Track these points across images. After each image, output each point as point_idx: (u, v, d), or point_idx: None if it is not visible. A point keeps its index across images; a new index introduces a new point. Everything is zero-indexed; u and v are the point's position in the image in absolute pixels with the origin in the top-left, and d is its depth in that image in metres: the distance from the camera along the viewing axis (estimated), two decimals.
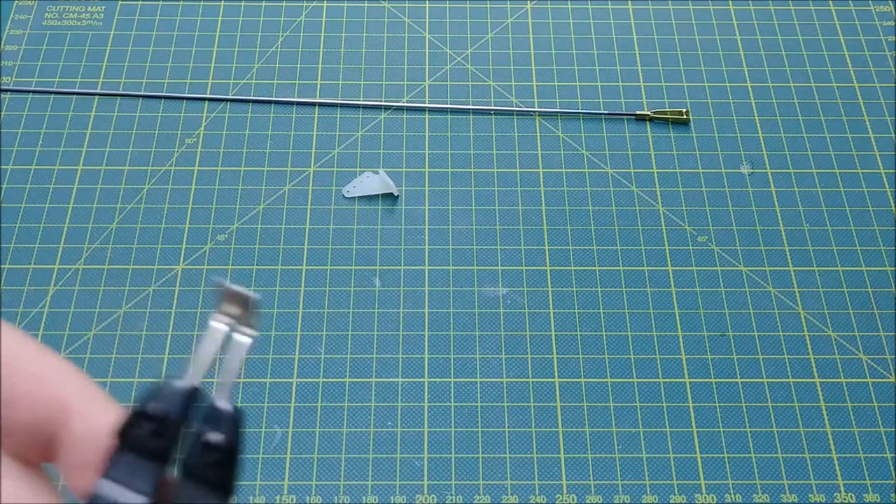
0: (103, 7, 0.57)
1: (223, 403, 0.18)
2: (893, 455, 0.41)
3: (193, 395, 0.18)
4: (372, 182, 0.49)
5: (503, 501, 0.40)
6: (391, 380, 0.43)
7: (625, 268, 0.47)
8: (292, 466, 0.40)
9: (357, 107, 0.53)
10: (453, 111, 0.52)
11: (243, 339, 0.19)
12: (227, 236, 0.47)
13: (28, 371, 0.18)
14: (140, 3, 0.57)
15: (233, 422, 0.18)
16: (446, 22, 0.56)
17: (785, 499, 0.40)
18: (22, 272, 0.46)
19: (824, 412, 0.42)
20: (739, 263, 0.47)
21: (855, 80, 0.54)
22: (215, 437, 0.17)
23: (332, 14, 0.57)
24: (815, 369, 0.43)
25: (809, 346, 0.44)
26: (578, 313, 0.45)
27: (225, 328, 0.19)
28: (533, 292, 0.46)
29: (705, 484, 0.40)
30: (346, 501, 0.39)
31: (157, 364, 0.43)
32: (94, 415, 0.18)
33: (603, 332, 0.44)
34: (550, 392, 0.43)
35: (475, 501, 0.40)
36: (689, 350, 0.44)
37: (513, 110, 0.52)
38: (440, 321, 0.45)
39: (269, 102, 0.53)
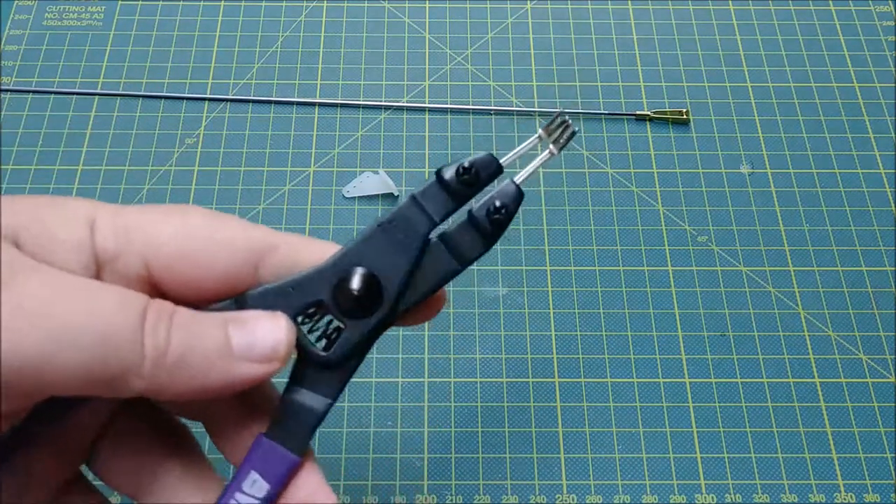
0: (103, 7, 0.57)
1: (514, 183, 0.25)
2: (893, 455, 0.41)
3: (500, 168, 0.25)
4: (372, 182, 0.49)
5: (503, 501, 0.40)
6: (391, 379, 0.43)
7: (625, 268, 0.46)
8: None
9: (357, 107, 0.53)
10: (453, 111, 0.52)
11: (545, 152, 0.26)
12: None
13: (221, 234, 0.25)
14: (140, 3, 0.57)
15: (516, 196, 0.25)
16: (446, 22, 0.56)
17: (785, 499, 0.40)
18: None
19: (824, 412, 0.42)
20: (739, 263, 0.47)
21: (855, 80, 0.54)
22: (500, 201, 0.25)
23: (332, 14, 0.57)
24: (815, 369, 0.43)
25: (809, 346, 0.44)
26: (578, 313, 0.45)
27: (537, 139, 0.26)
28: (533, 292, 0.46)
29: (705, 484, 0.40)
30: (346, 501, 0.39)
31: None
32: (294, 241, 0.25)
33: (603, 332, 0.44)
34: (550, 392, 0.43)
35: (475, 501, 0.40)
36: (689, 350, 0.44)
37: (513, 110, 0.52)
38: (440, 321, 0.45)
39: (269, 102, 0.53)
